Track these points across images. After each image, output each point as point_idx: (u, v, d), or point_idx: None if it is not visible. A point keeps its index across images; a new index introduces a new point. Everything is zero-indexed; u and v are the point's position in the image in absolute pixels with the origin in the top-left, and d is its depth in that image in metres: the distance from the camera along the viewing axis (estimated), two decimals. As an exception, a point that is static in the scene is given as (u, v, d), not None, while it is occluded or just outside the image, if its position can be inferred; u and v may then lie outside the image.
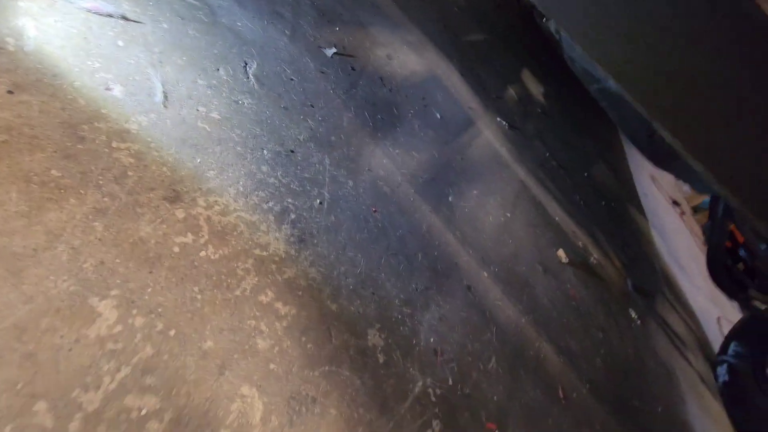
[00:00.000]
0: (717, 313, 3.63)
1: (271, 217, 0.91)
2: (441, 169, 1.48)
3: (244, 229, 0.85)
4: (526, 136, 2.34)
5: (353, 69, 1.45)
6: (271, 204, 0.93)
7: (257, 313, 0.78)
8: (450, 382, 1.01)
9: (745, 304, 2.10)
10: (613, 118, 2.30)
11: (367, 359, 0.89)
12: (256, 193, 0.92)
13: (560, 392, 1.30)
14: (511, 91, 2.67)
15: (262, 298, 0.80)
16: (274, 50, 1.22)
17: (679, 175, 2.44)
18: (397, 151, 1.37)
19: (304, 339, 0.81)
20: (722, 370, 2.29)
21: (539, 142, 2.45)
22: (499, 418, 1.06)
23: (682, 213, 5.52)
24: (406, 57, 1.77)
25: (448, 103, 1.80)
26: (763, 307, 1.97)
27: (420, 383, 0.95)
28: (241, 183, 0.90)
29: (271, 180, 0.96)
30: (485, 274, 1.34)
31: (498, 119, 2.16)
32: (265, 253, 0.85)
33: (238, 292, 0.77)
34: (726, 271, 2.13)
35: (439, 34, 2.27)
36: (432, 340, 1.05)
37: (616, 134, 5.12)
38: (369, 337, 0.92)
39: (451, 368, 1.04)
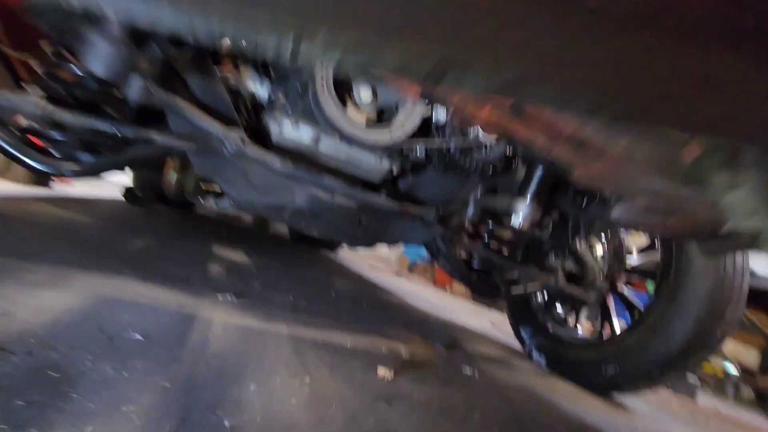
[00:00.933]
0: (489, 319, 4.45)
1: None
2: (179, 397, 0.96)
3: None
4: (260, 295, 2.06)
5: None
6: None
7: None
8: None
9: (499, 292, 2.49)
10: (310, 231, 2.32)
11: None
12: None
13: None
14: (216, 267, 2.38)
15: None
16: None
17: (387, 242, 2.51)
18: (92, 424, 0.77)
19: None
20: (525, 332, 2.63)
21: (276, 293, 2.22)
22: None
23: (405, 275, 6.98)
24: (35, 300, 1.19)
25: (145, 318, 1.31)
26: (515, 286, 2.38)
27: None
28: None
29: None
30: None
31: (221, 297, 1.79)
32: None
33: None
34: (470, 282, 2.50)
35: (88, 257, 1.76)
36: None
37: (337, 245, 5.65)
38: None
39: None
